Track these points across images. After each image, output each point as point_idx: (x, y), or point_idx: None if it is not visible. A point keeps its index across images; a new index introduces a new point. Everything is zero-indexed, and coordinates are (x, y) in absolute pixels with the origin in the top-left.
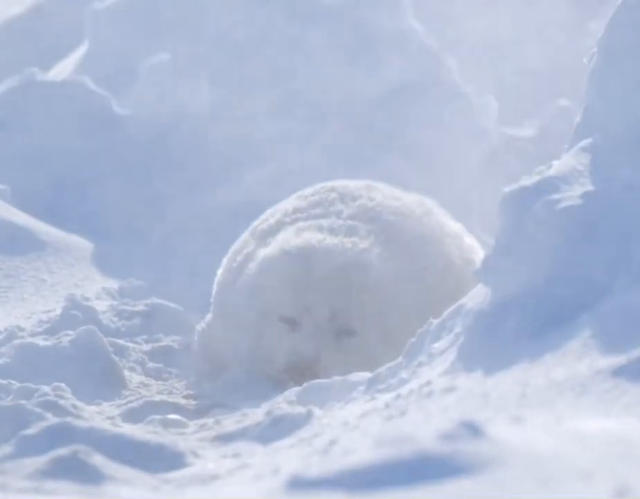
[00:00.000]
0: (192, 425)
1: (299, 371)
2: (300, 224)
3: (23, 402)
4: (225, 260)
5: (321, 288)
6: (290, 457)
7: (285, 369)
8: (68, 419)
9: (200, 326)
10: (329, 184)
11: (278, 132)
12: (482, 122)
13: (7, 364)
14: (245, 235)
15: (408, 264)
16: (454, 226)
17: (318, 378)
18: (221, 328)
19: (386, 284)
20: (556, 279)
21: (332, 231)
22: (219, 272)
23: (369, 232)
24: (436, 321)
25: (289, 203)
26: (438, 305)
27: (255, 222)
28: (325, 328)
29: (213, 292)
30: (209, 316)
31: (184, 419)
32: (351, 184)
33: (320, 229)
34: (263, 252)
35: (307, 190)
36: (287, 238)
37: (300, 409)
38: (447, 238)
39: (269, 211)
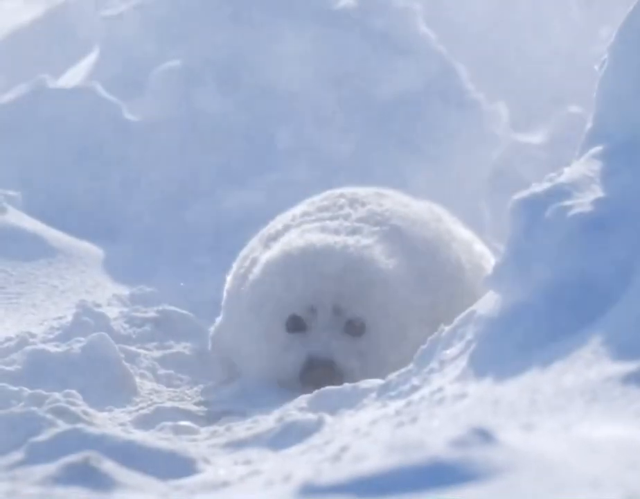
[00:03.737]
0: (204, 431)
1: (316, 374)
2: (306, 226)
3: (34, 408)
4: (234, 266)
5: (324, 286)
6: (301, 463)
7: (302, 375)
8: (79, 426)
9: (212, 330)
10: (338, 190)
11: (288, 138)
12: (492, 128)
13: (18, 370)
14: (253, 241)
15: (413, 264)
16: (464, 233)
17: (335, 379)
18: (231, 335)
19: (388, 278)
20: (566, 286)
21: (336, 231)
22: (228, 278)
23: (373, 233)
24: (447, 328)
25: (298, 208)
26: (446, 307)
27: (265, 228)
28: (333, 327)
29: (223, 298)
30: (220, 319)
31: (195, 426)
32: (361, 191)
33: (324, 229)
34: (266, 256)
35: (317, 197)
36: (289, 240)
37: (311, 416)
38: (455, 243)
39: (278, 217)
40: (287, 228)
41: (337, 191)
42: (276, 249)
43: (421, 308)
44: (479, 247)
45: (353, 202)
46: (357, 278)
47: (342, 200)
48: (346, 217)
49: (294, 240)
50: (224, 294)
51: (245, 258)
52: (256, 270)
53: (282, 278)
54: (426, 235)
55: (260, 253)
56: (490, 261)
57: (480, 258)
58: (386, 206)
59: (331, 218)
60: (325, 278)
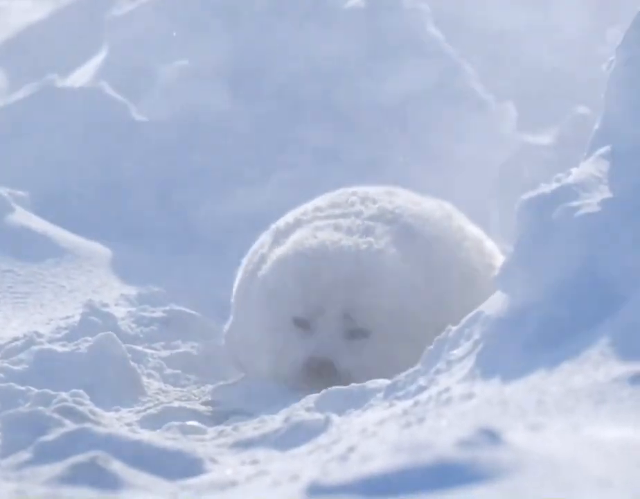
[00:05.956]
0: (211, 431)
1: (315, 374)
2: (318, 222)
3: (41, 408)
4: (243, 262)
5: (335, 290)
6: (308, 463)
7: (302, 373)
8: (87, 425)
9: (225, 328)
10: (350, 189)
11: (296, 138)
12: (501, 129)
13: (25, 370)
14: (263, 236)
15: (425, 266)
16: (474, 230)
17: (334, 380)
18: (240, 332)
19: (400, 285)
20: (574, 286)
21: (349, 230)
22: (238, 274)
23: (386, 232)
24: (454, 328)
25: (310, 203)
26: (457, 309)
27: (275, 223)
28: (338, 329)
29: (232, 295)
30: (231, 318)
31: (203, 426)
32: (372, 190)
33: (337, 228)
34: (276, 252)
35: (329, 194)
36: (302, 238)
37: (318, 416)
38: (467, 241)
39: (289, 213)
40: (298, 222)
41: (350, 190)
42: (287, 247)
43: (432, 311)
44: (489, 244)
45: (365, 199)
46: (369, 287)
47: (354, 198)
48: (358, 214)
49: (306, 238)
50: (233, 290)
51: (255, 253)
52: (266, 267)
53: (292, 278)
54: (438, 234)
55: (269, 248)
56: (499, 260)
57: (490, 257)
58: (397, 203)
59: (343, 215)
60: (336, 284)
